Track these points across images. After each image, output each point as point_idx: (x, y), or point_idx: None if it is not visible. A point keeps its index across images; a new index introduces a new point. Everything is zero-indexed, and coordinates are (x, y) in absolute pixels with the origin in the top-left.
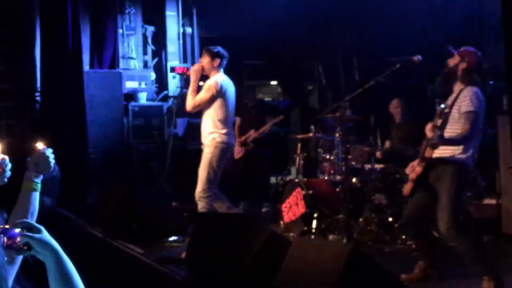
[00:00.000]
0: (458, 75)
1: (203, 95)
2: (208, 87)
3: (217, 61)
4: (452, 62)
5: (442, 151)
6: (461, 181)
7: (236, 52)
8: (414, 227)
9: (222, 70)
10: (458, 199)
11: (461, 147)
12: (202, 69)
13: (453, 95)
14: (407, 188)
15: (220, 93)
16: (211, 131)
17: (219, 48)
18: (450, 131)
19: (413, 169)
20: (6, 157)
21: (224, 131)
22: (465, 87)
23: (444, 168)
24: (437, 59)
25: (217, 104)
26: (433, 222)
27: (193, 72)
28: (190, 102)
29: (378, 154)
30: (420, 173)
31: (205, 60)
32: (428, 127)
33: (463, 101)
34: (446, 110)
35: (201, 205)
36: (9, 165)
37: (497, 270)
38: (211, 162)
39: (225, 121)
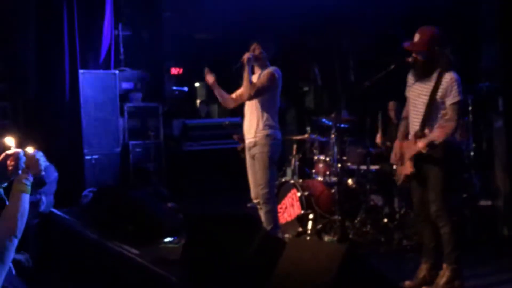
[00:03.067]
0: (434, 61)
1: (267, 83)
2: (270, 75)
3: (270, 53)
4: (424, 55)
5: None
6: (451, 161)
7: (232, 53)
8: (425, 215)
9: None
10: (449, 180)
11: None
12: (256, 58)
13: (430, 81)
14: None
15: (279, 83)
16: (267, 127)
17: (269, 41)
18: (436, 120)
19: (397, 156)
20: (20, 151)
21: (277, 126)
22: (443, 72)
23: (433, 152)
24: None
25: (274, 96)
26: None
27: (248, 61)
28: (250, 90)
29: (378, 138)
30: (413, 171)
31: (258, 51)
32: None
33: (447, 90)
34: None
35: (267, 208)
36: (23, 159)
37: (461, 266)
38: (270, 159)
39: (277, 116)
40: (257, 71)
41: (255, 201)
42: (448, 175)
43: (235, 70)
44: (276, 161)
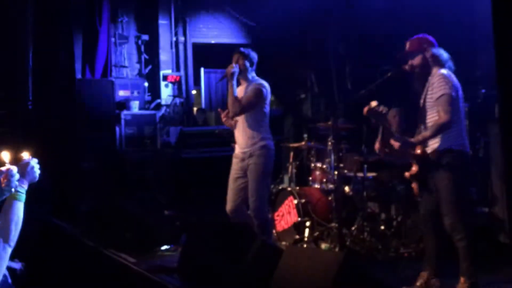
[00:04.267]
0: (431, 65)
1: (253, 99)
2: (258, 91)
3: (253, 63)
4: (416, 60)
5: (433, 143)
6: (459, 170)
7: (228, 61)
8: (431, 223)
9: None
10: (461, 191)
11: (451, 134)
12: (239, 71)
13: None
14: (414, 187)
15: (267, 97)
16: (261, 139)
17: (252, 51)
18: (429, 120)
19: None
20: (14, 168)
21: (270, 136)
22: (434, 72)
23: (438, 161)
24: None
25: (263, 109)
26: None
27: (231, 74)
28: (236, 107)
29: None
30: (417, 171)
31: (241, 62)
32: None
33: (433, 86)
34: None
35: (259, 221)
36: (17, 176)
37: (478, 280)
38: (265, 171)
39: (268, 126)
40: (243, 83)
41: (230, 214)
42: (459, 185)
43: (217, 83)
44: (271, 172)
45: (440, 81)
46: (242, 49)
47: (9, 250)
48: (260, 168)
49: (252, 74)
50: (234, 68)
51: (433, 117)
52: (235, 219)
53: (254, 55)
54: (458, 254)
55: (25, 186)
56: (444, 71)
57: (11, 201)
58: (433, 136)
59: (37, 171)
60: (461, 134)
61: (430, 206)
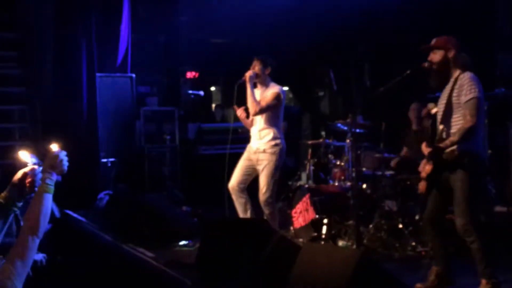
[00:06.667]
0: (450, 65)
1: (272, 102)
2: (276, 94)
3: (269, 69)
4: (436, 57)
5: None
6: (476, 173)
7: (248, 58)
8: (435, 224)
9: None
10: (475, 193)
11: (472, 136)
12: (256, 75)
13: (449, 84)
14: (421, 186)
15: (283, 100)
16: (275, 138)
17: (270, 57)
18: (454, 122)
19: (424, 167)
20: (36, 167)
21: (283, 136)
22: (460, 73)
23: (455, 162)
24: None
25: (279, 112)
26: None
27: (249, 79)
28: (255, 107)
29: (393, 163)
30: (431, 171)
31: (258, 68)
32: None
33: (461, 89)
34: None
35: (269, 210)
36: (40, 175)
37: (499, 278)
38: (276, 167)
39: (281, 128)
40: (259, 87)
41: (232, 190)
42: (474, 188)
43: (238, 85)
44: (280, 168)
45: (470, 84)
46: (261, 56)
47: (37, 242)
48: (272, 165)
49: (269, 80)
50: (252, 73)
51: (459, 119)
52: (234, 196)
53: (271, 62)
54: (473, 256)
55: (54, 179)
56: (471, 74)
57: (40, 193)
58: (461, 140)
59: (65, 163)
60: (481, 139)
61: (437, 206)
